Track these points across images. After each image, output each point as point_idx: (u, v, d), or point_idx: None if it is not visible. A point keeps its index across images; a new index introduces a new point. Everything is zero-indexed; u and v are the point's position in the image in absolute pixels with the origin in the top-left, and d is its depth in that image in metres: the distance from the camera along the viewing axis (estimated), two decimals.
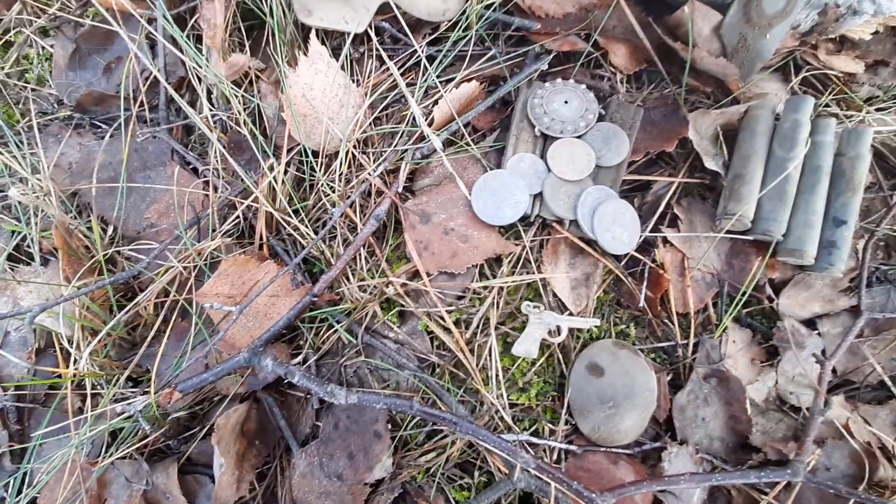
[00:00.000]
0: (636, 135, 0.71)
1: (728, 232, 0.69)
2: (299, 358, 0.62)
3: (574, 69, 0.73)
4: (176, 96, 0.58)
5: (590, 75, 0.74)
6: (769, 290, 0.70)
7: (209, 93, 0.67)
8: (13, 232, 0.70)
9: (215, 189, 0.65)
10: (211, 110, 0.66)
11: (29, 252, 0.70)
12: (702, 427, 0.67)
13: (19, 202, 0.69)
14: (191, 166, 0.69)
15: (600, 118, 0.70)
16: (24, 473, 0.61)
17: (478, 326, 0.63)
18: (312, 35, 0.63)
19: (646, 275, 0.68)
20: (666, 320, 0.69)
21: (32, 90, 0.73)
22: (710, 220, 0.72)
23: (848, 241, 0.68)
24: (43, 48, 0.73)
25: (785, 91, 0.76)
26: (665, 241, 0.70)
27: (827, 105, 0.77)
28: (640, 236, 0.67)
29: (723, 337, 0.69)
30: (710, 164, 0.70)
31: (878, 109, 0.77)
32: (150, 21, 0.70)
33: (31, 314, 0.54)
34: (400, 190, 0.64)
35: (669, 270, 0.68)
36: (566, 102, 0.68)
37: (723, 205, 0.70)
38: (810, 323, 0.71)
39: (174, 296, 0.63)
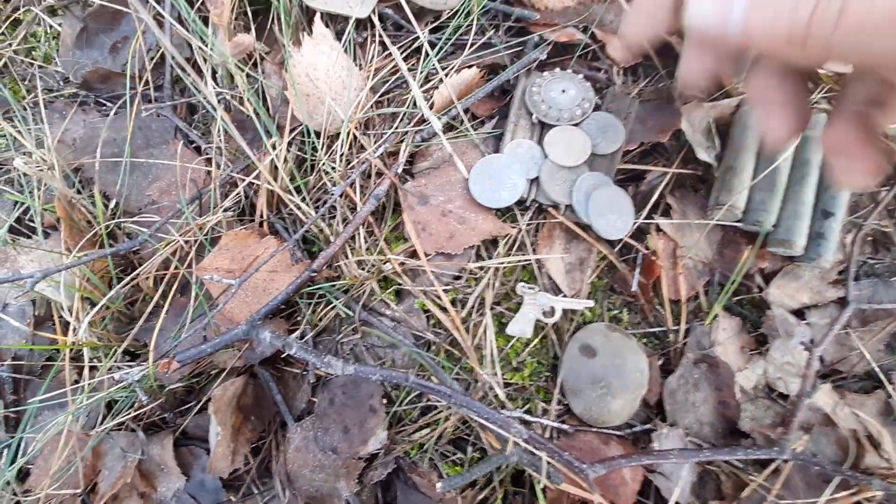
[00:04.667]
0: (631, 125, 0.72)
1: (719, 222, 0.71)
2: (297, 333, 0.63)
3: (572, 60, 0.75)
4: (181, 74, 0.60)
5: (587, 66, 0.76)
6: (759, 280, 0.72)
7: (214, 72, 0.68)
8: (16, 203, 0.70)
9: (217, 166, 0.66)
10: (215, 89, 0.67)
11: (31, 225, 0.71)
12: (692, 411, 0.68)
13: (23, 174, 0.70)
14: (194, 144, 0.70)
15: (596, 108, 0.72)
16: (19, 440, 0.61)
17: (473, 306, 0.64)
18: (317, 18, 0.64)
19: (638, 261, 0.69)
20: (658, 306, 0.70)
21: (39, 67, 0.74)
22: (702, 210, 0.74)
23: (836, 232, 0.69)
24: (51, 27, 0.74)
25: None
26: (658, 228, 0.72)
27: (817, 102, 0.79)
28: (634, 223, 0.69)
29: (713, 324, 0.70)
30: (703, 155, 0.71)
31: None
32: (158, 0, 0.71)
33: (31, 280, 0.55)
34: (399, 171, 0.66)
35: (662, 258, 0.70)
36: (563, 91, 0.70)
37: (714, 195, 0.71)
38: (799, 313, 0.73)
39: (175, 269, 0.64)
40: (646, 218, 0.71)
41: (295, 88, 0.63)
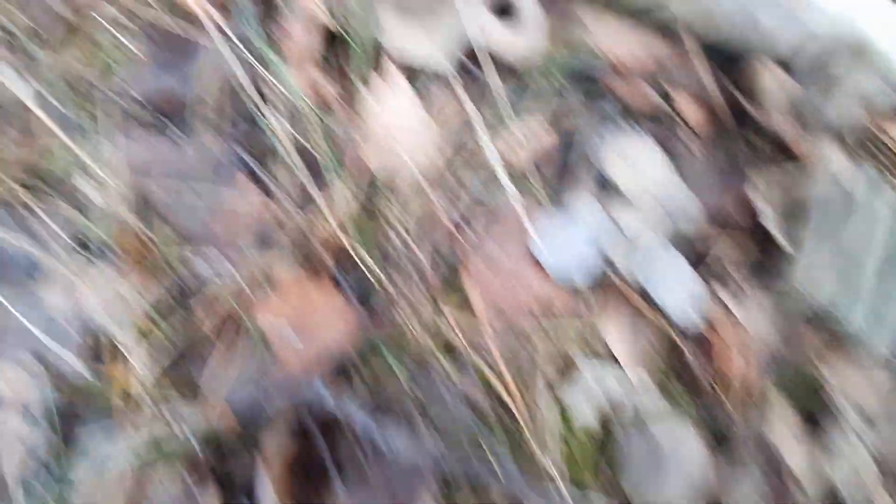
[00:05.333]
0: (704, 192, 0.70)
1: (789, 305, 0.68)
2: (352, 392, 0.62)
3: (644, 119, 0.73)
4: (253, 109, 0.59)
5: (659, 127, 0.74)
6: (825, 371, 0.69)
7: (285, 109, 0.67)
8: (73, 221, 0.70)
9: (281, 209, 0.65)
10: (285, 127, 0.66)
11: (85, 242, 0.70)
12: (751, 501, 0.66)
13: (85, 193, 0.70)
14: (257, 179, 0.69)
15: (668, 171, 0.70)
16: (65, 476, 0.62)
17: (531, 374, 0.63)
18: (395, 67, 0.63)
19: (700, 340, 0.67)
20: (716, 386, 0.68)
21: (111, 86, 0.74)
22: (773, 290, 0.71)
23: None
24: (126, 47, 0.74)
25: (850, 160, 0.75)
26: (722, 306, 0.70)
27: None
28: (700, 300, 0.67)
29: (770, 409, 0.68)
30: (777, 233, 0.69)
31: None
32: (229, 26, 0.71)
33: (91, 318, 0.55)
34: (465, 228, 0.64)
35: (724, 338, 0.68)
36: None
37: (788, 277, 0.69)
38: (864, 410, 0.70)
39: (231, 308, 0.63)
40: (711, 295, 0.69)
41: (367, 136, 0.62)
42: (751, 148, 0.74)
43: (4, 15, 0.73)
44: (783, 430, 0.67)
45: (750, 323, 0.69)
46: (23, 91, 0.54)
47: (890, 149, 0.76)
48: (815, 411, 0.69)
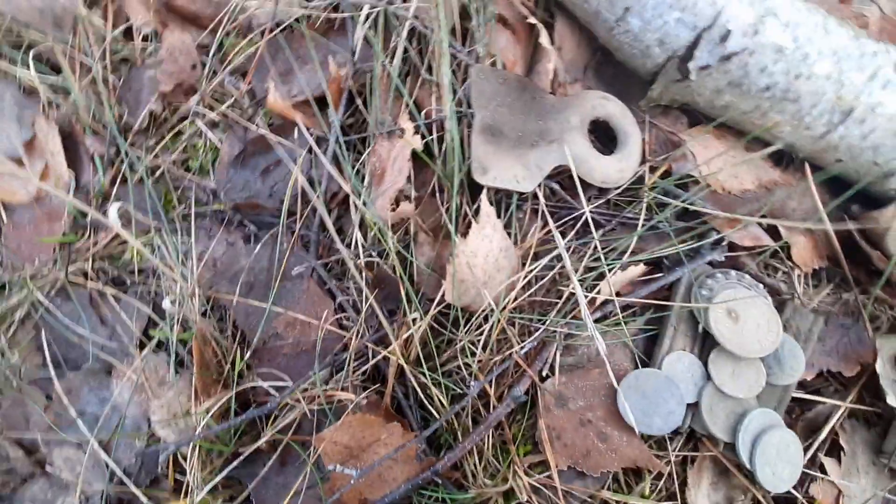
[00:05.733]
0: (812, 348, 0.63)
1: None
2: None
3: (748, 258, 0.66)
4: (332, 231, 0.56)
5: (763, 265, 0.67)
6: None
7: (362, 228, 0.65)
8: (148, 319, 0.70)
9: (348, 330, 0.63)
10: (363, 246, 0.64)
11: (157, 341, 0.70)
12: None
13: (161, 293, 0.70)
14: (330, 294, 0.67)
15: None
16: None
17: None
18: (484, 197, 0.60)
19: None
20: None
21: (192, 180, 0.74)
22: (877, 452, 0.63)
23: None
24: (210, 141, 0.74)
25: None
26: (823, 471, 0.62)
27: None
28: (800, 471, 0.60)
29: None
30: (893, 401, 0.61)
31: None
32: (319, 140, 0.69)
33: (167, 451, 0.53)
34: (544, 372, 0.60)
35: None
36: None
37: (893, 442, 0.61)
38: None
39: (292, 434, 0.61)
40: (811, 458, 0.62)
41: (454, 276, 0.58)
42: (868, 297, 0.66)
43: (96, 104, 0.75)
44: None
45: (848, 488, 0.61)
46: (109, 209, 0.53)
47: None
48: None
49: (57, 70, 0.76)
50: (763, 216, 0.67)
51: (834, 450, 0.65)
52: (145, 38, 0.77)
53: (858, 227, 0.66)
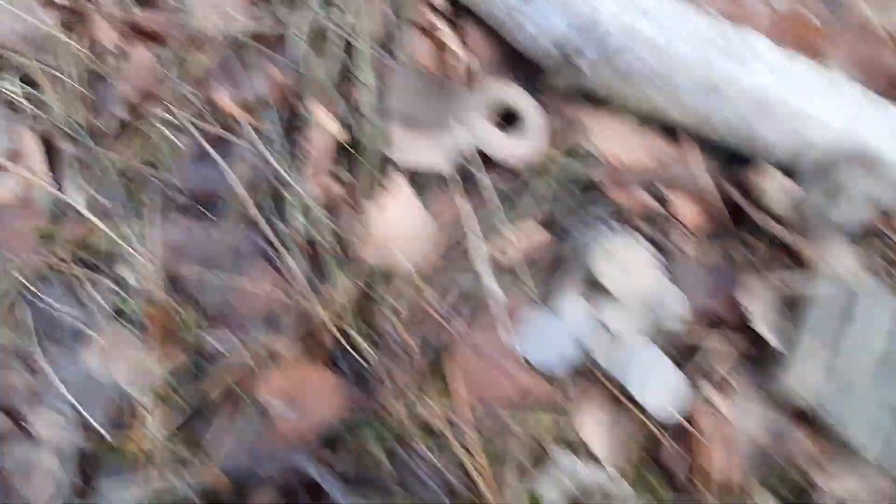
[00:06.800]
0: (694, 293, 0.72)
1: (779, 404, 0.68)
2: (338, 464, 0.67)
3: (638, 220, 0.76)
4: (272, 205, 0.66)
5: (655, 228, 0.77)
6: (814, 471, 0.68)
7: (300, 208, 0.75)
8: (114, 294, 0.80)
9: (288, 295, 0.72)
10: (299, 223, 0.74)
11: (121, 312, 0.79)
12: None
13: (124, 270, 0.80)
14: (274, 267, 0.77)
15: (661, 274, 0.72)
16: None
17: (505, 460, 0.66)
18: (398, 173, 0.70)
19: (685, 438, 0.68)
20: (702, 486, 0.68)
21: (156, 176, 0.84)
22: (765, 391, 0.71)
23: None
24: (172, 142, 0.85)
25: (860, 267, 0.75)
26: (710, 405, 0.70)
27: None
28: (685, 399, 0.68)
29: None
30: (770, 336, 0.70)
31: None
32: (263, 137, 0.80)
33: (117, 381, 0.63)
34: (455, 322, 0.69)
35: (711, 438, 0.68)
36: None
37: (780, 377, 0.69)
38: None
39: (237, 380, 0.70)
40: (700, 394, 0.70)
41: (368, 235, 0.68)
42: (749, 250, 0.76)
43: (72, 114, 0.86)
44: None
45: (735, 419, 0.69)
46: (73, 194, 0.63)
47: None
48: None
49: (37, 86, 0.88)
50: (653, 183, 0.77)
51: (725, 391, 0.73)
52: (114, 56, 0.89)
53: (737, 189, 0.76)
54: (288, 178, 0.73)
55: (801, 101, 0.70)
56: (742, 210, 0.76)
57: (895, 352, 0.66)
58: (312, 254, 0.73)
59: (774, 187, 0.75)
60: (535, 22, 0.74)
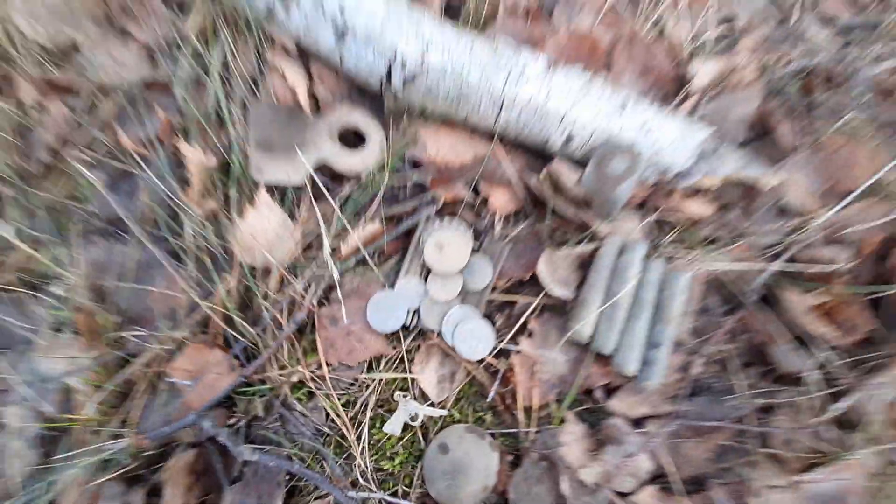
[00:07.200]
0: (503, 264, 0.92)
1: (571, 344, 0.89)
2: (233, 420, 0.86)
3: (461, 210, 0.95)
4: (171, 223, 0.85)
5: (474, 215, 0.96)
6: (601, 393, 0.89)
7: (192, 224, 0.93)
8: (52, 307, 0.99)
9: (186, 294, 0.91)
10: (191, 236, 0.92)
11: (61, 321, 0.98)
12: (536, 501, 0.86)
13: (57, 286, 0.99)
14: (177, 268, 0.96)
15: (474, 251, 0.92)
16: (48, 484, 0.88)
17: (361, 407, 0.86)
18: (262, 188, 0.89)
19: (500, 375, 0.88)
20: (515, 412, 0.89)
21: (78, 206, 1.02)
22: (562, 333, 0.92)
23: (662, 360, 0.86)
24: (88, 178, 1.03)
25: (639, 231, 0.96)
26: (515, 345, 0.90)
27: (671, 243, 0.96)
28: (495, 347, 0.88)
29: (561, 428, 0.88)
30: (556, 291, 0.90)
31: (719, 248, 0.95)
32: (154, 169, 0.98)
33: (62, 376, 0.82)
34: (315, 303, 0.89)
35: (520, 372, 0.88)
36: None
37: (568, 323, 0.89)
38: (640, 422, 0.89)
39: (153, 368, 0.89)
40: (511, 339, 0.90)
41: (240, 244, 0.87)
42: (552, 226, 0.95)
43: (6, 161, 1.04)
44: (569, 439, 0.87)
45: (538, 357, 0.89)
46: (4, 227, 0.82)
47: (665, 221, 0.96)
48: (596, 424, 0.89)
49: None
50: (474, 179, 0.96)
51: (530, 332, 0.93)
52: (36, 110, 1.06)
53: (538, 179, 0.96)
54: (178, 201, 0.91)
55: (565, 107, 0.89)
56: (541, 196, 0.96)
57: (642, 294, 0.86)
58: (202, 260, 0.92)
59: (566, 176, 0.95)
60: (351, 57, 0.92)
